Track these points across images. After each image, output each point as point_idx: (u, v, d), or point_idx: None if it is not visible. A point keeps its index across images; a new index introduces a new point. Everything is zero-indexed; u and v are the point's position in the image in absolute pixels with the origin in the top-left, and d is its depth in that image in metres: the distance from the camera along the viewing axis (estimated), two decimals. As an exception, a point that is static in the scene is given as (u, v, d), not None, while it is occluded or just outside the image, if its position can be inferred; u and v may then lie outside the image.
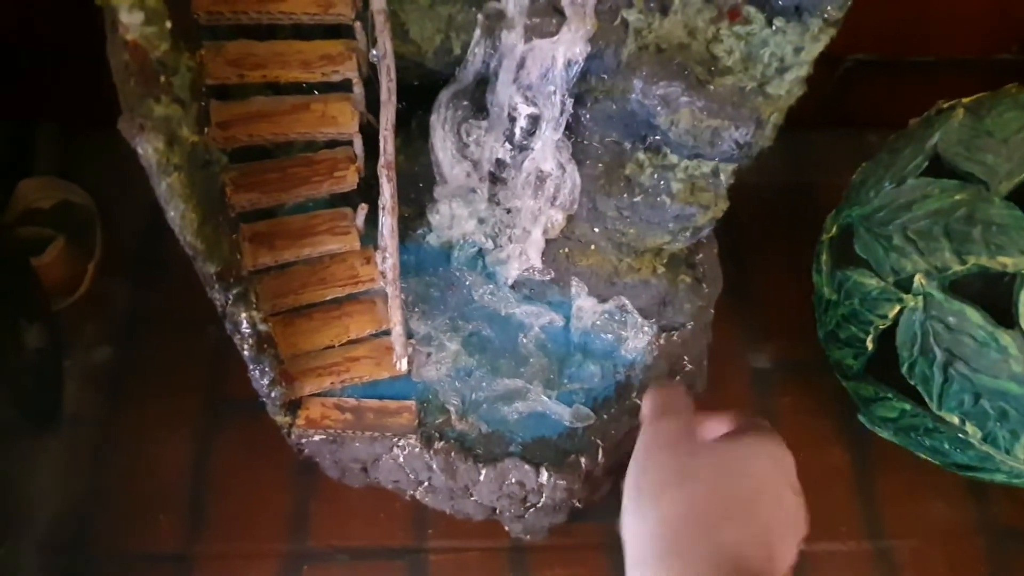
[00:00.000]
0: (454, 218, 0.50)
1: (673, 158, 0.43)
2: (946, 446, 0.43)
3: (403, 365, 0.44)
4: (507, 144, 0.46)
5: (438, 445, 0.44)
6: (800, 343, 0.55)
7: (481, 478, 0.43)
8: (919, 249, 0.41)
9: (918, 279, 0.41)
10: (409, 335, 0.45)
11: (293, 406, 0.44)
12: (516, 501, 0.44)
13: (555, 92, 0.43)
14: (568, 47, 0.41)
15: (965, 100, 0.47)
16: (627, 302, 0.49)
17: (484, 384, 0.46)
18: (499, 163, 0.48)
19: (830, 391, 0.53)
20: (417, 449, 0.44)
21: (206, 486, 0.50)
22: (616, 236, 0.47)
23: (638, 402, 0.46)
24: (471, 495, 0.45)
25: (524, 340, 0.48)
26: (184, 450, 0.51)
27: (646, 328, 0.48)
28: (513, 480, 0.43)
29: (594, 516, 0.49)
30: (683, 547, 0.29)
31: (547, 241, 0.49)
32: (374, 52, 0.36)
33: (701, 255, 0.50)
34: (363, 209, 0.40)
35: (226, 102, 0.37)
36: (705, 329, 0.50)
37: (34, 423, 0.51)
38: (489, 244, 0.50)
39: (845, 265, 0.46)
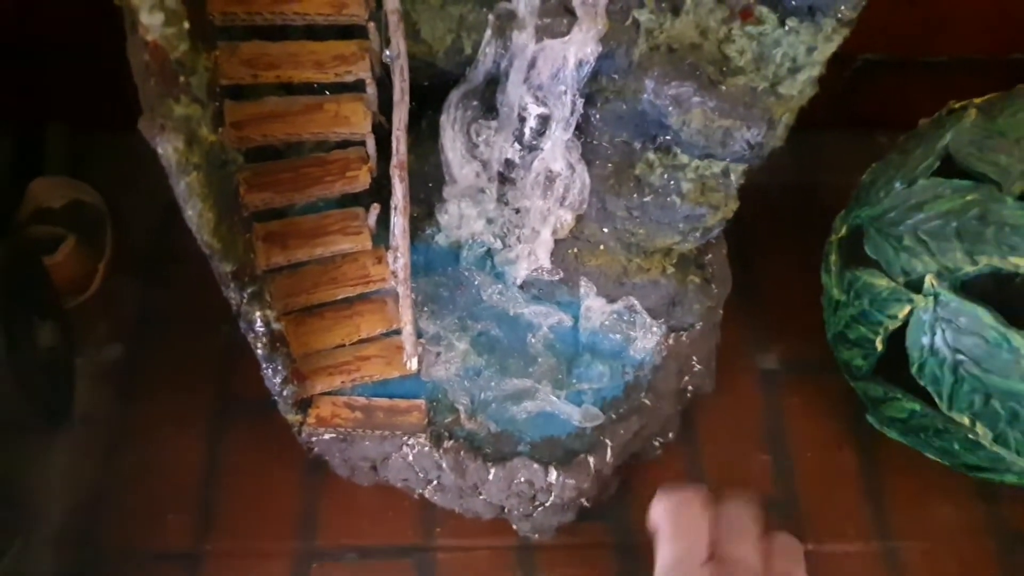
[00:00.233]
0: (463, 218, 0.50)
1: (683, 158, 0.43)
2: (956, 447, 0.43)
3: (413, 364, 0.44)
4: (517, 144, 0.46)
5: (447, 444, 0.44)
6: (809, 344, 0.55)
7: (490, 477, 0.43)
8: (930, 250, 0.41)
9: (929, 279, 0.41)
10: (419, 334, 0.46)
11: (304, 404, 0.44)
12: (525, 500, 0.44)
13: (566, 92, 0.43)
14: (579, 47, 0.41)
15: (977, 100, 0.47)
16: (636, 302, 0.49)
17: (493, 384, 0.46)
18: (508, 163, 0.48)
19: (839, 392, 0.53)
20: (426, 448, 0.44)
21: (216, 484, 0.50)
22: (625, 236, 0.47)
23: (647, 402, 0.47)
24: (480, 494, 0.45)
25: (533, 340, 0.48)
26: (194, 448, 0.52)
27: (655, 328, 0.48)
28: (522, 479, 0.43)
29: (602, 515, 0.49)
30: None
31: (556, 241, 0.49)
32: (387, 52, 0.36)
33: (710, 255, 0.50)
34: (375, 209, 0.40)
35: (240, 102, 0.37)
36: (714, 329, 0.50)
37: (46, 420, 0.51)
38: (498, 244, 0.51)
39: (855, 265, 0.46)
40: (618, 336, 0.48)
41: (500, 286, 0.50)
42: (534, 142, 0.46)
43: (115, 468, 0.51)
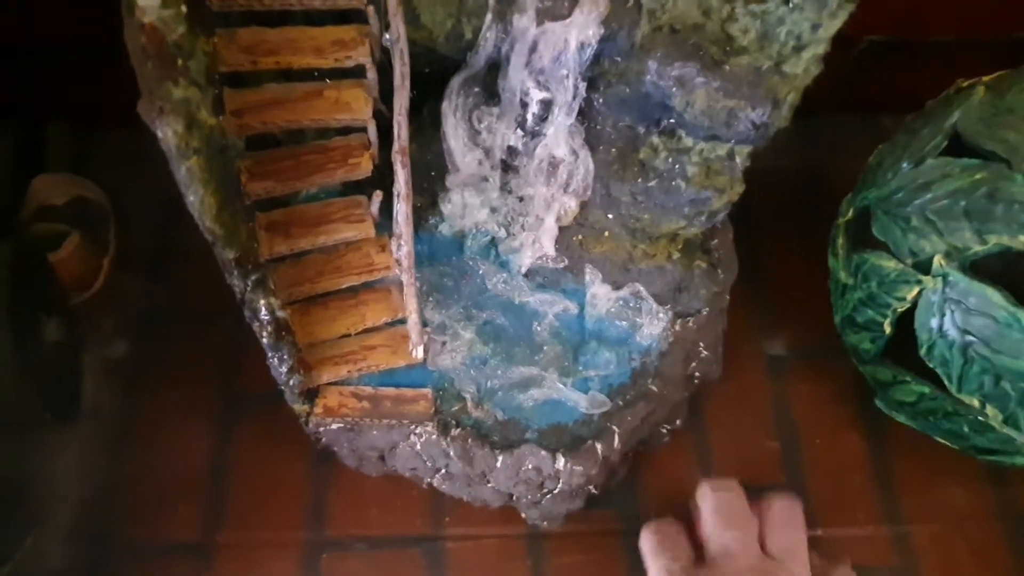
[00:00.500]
0: (467, 207, 0.50)
1: (688, 141, 0.43)
2: (965, 429, 0.43)
3: (419, 353, 0.44)
4: (519, 130, 0.46)
5: (455, 432, 0.44)
6: (816, 329, 0.54)
7: (498, 464, 0.43)
8: (938, 230, 0.41)
9: (937, 260, 0.41)
10: (424, 323, 0.45)
11: (311, 395, 0.44)
12: (533, 487, 0.44)
13: (568, 76, 0.43)
14: (581, 29, 0.41)
15: (985, 78, 0.46)
16: (642, 288, 0.48)
17: (499, 372, 0.46)
18: (511, 150, 0.47)
19: (846, 377, 0.52)
20: (434, 436, 0.44)
21: (224, 476, 0.50)
22: (630, 222, 0.47)
23: (654, 388, 0.47)
24: (488, 482, 0.45)
25: (538, 328, 0.48)
26: (202, 441, 0.52)
27: (661, 314, 0.48)
28: (530, 466, 0.43)
29: (610, 502, 0.49)
30: None
31: (560, 228, 0.49)
32: (387, 36, 0.36)
33: (716, 240, 0.50)
34: (378, 196, 0.40)
35: (239, 90, 0.37)
36: (720, 315, 0.50)
37: (54, 416, 0.51)
38: (502, 233, 0.50)
39: (862, 248, 0.46)
40: (624, 323, 0.48)
41: (505, 275, 0.50)
42: (537, 128, 0.46)
43: (124, 462, 0.51)
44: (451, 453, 0.43)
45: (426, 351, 0.45)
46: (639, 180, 0.45)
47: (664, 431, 0.50)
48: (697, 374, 0.50)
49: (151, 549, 0.49)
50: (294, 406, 0.44)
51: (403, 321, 0.44)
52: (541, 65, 0.43)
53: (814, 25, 0.37)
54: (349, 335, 0.43)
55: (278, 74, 0.37)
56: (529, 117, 0.45)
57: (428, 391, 0.44)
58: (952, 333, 0.41)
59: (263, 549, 0.48)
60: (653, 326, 0.48)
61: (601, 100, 0.44)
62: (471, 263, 0.50)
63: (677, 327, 0.48)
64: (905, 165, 0.44)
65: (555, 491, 0.44)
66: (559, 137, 0.46)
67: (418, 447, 0.44)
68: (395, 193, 0.39)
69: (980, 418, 0.42)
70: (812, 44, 0.37)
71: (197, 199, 0.29)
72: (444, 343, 0.47)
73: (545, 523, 0.48)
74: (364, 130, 0.38)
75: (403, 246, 0.40)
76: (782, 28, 0.38)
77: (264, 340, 0.38)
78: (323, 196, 0.41)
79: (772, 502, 0.36)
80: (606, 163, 0.46)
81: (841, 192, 0.50)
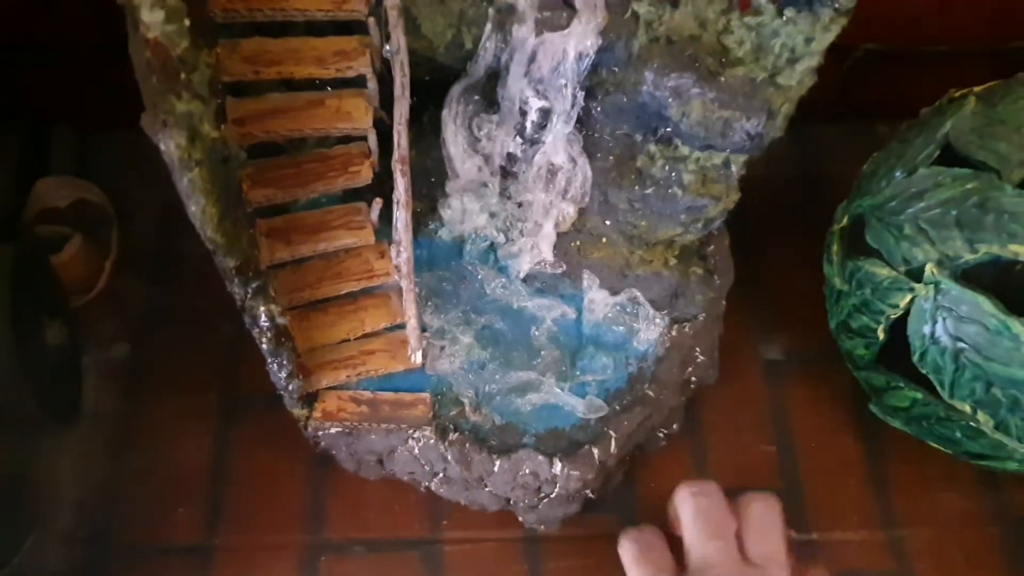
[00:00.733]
0: (466, 212, 0.51)
1: (684, 150, 0.44)
2: (958, 435, 0.44)
3: (417, 358, 0.44)
4: (518, 138, 0.47)
5: (453, 437, 0.44)
6: (812, 334, 0.55)
7: (495, 469, 0.44)
8: (930, 238, 0.41)
9: (929, 268, 0.41)
10: (423, 328, 0.46)
11: (310, 399, 0.44)
12: (530, 492, 0.45)
13: (566, 85, 0.43)
14: (579, 40, 0.41)
15: (977, 89, 0.47)
16: (639, 294, 0.49)
17: (497, 376, 0.46)
18: (510, 157, 0.48)
19: (842, 381, 0.53)
20: (432, 441, 0.44)
21: (224, 479, 0.51)
22: (627, 228, 0.48)
23: (650, 393, 0.47)
24: (485, 486, 0.45)
25: (536, 333, 0.48)
26: (202, 444, 0.52)
27: (658, 320, 0.48)
28: (527, 471, 0.44)
29: (607, 507, 0.50)
30: None
31: (559, 234, 0.49)
32: (387, 48, 0.37)
33: (712, 247, 0.50)
34: (377, 204, 0.40)
35: (241, 99, 0.37)
36: (717, 320, 0.50)
37: (55, 418, 0.52)
38: (501, 238, 0.51)
39: (856, 255, 0.46)
40: (621, 328, 0.49)
41: (503, 280, 0.50)
42: (535, 136, 0.46)
43: (124, 464, 0.52)
44: (449, 457, 0.44)
45: (425, 356, 0.45)
46: (636, 187, 0.46)
47: (661, 435, 0.51)
48: (694, 379, 0.50)
49: (150, 551, 0.49)
50: (293, 410, 0.44)
51: (402, 326, 0.44)
52: (540, 75, 0.43)
53: (808, 38, 0.38)
54: (348, 340, 0.44)
55: (280, 83, 0.37)
56: (528, 125, 0.46)
57: (426, 396, 0.45)
58: (944, 340, 0.41)
59: (262, 552, 0.49)
60: (650, 331, 0.49)
61: (599, 109, 0.45)
62: (470, 268, 0.51)
63: (674, 332, 0.49)
64: (898, 174, 0.45)
65: (552, 495, 0.45)
66: (557, 145, 0.46)
67: (416, 451, 0.45)
68: (395, 200, 0.39)
69: (972, 424, 0.42)
70: (806, 56, 0.38)
71: (199, 209, 0.30)
72: (443, 348, 0.47)
73: (542, 527, 0.48)
74: (365, 138, 0.39)
75: (402, 252, 0.41)
76: (777, 40, 0.38)
77: (264, 346, 0.39)
78: (323, 203, 0.42)
79: (750, 504, 0.36)
80: (604, 170, 0.46)
81: (836, 199, 0.51)
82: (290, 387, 0.41)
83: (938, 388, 0.42)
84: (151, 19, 0.26)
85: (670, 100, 0.40)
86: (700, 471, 0.52)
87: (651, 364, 0.48)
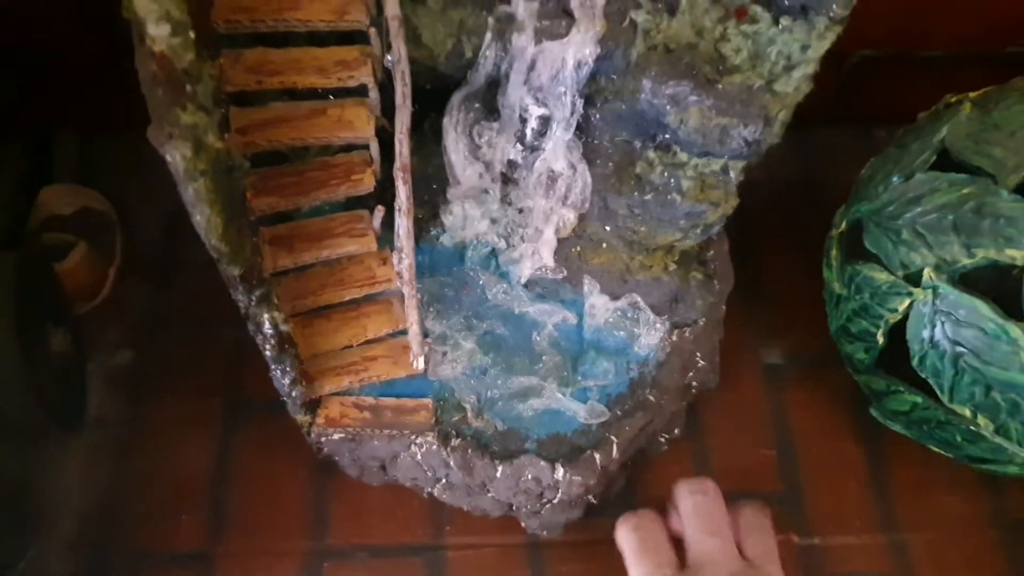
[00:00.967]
0: (467, 218, 0.51)
1: (683, 156, 0.44)
2: (958, 439, 0.44)
3: (420, 364, 0.45)
4: (518, 145, 0.47)
5: (455, 442, 0.44)
6: (812, 338, 0.55)
7: (498, 475, 0.44)
8: (928, 243, 0.42)
9: (927, 273, 0.41)
10: (425, 334, 0.46)
11: (313, 405, 0.45)
12: (532, 497, 0.45)
13: (565, 93, 0.44)
14: (578, 49, 0.42)
15: (972, 94, 0.47)
16: (639, 299, 0.49)
17: (499, 382, 0.47)
18: (511, 164, 0.48)
19: (842, 385, 0.53)
20: (434, 447, 0.44)
21: (227, 485, 0.51)
22: (627, 234, 0.48)
23: (651, 398, 0.47)
24: (488, 491, 0.45)
25: (538, 338, 0.49)
26: (205, 450, 0.52)
27: (658, 325, 0.49)
28: (529, 476, 0.44)
29: (609, 512, 0.49)
30: None
31: (559, 240, 0.49)
32: (388, 57, 0.37)
33: (712, 252, 0.51)
34: (380, 211, 0.41)
35: (245, 108, 0.37)
36: (717, 325, 0.51)
37: (58, 425, 0.52)
38: (502, 244, 0.51)
39: (855, 260, 0.47)
40: (622, 333, 0.49)
41: (505, 285, 0.50)
42: (536, 142, 0.47)
43: (127, 471, 0.52)
44: (451, 463, 0.44)
45: (427, 362, 0.45)
46: (635, 193, 0.46)
47: (662, 440, 0.51)
48: (694, 384, 0.51)
49: (154, 558, 0.49)
50: (296, 417, 0.44)
51: (404, 332, 0.44)
52: (539, 83, 0.44)
53: (803, 46, 0.38)
54: (351, 346, 0.44)
55: (282, 93, 0.38)
56: (528, 132, 0.46)
57: (429, 401, 0.45)
58: (943, 344, 0.41)
59: (265, 558, 0.49)
60: (651, 336, 0.49)
61: (598, 116, 0.45)
62: (472, 274, 0.51)
63: (674, 337, 0.49)
64: (896, 179, 0.45)
65: (554, 501, 0.45)
66: (557, 151, 0.47)
67: (419, 457, 0.45)
68: (396, 208, 0.40)
69: (972, 428, 0.42)
70: (802, 64, 0.38)
71: (203, 218, 0.30)
72: (445, 353, 0.48)
73: (545, 532, 0.49)
74: (367, 147, 0.39)
75: (404, 259, 0.41)
76: (773, 48, 0.39)
77: (267, 353, 0.39)
78: (326, 210, 0.42)
79: (743, 508, 0.37)
80: (603, 177, 0.47)
81: (835, 203, 0.51)
82: (293, 393, 0.42)
83: (938, 392, 0.42)
84: (157, 32, 0.26)
85: (668, 108, 0.40)
86: (702, 475, 0.52)
87: (652, 369, 0.48)
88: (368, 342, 0.44)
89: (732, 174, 0.44)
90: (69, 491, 0.51)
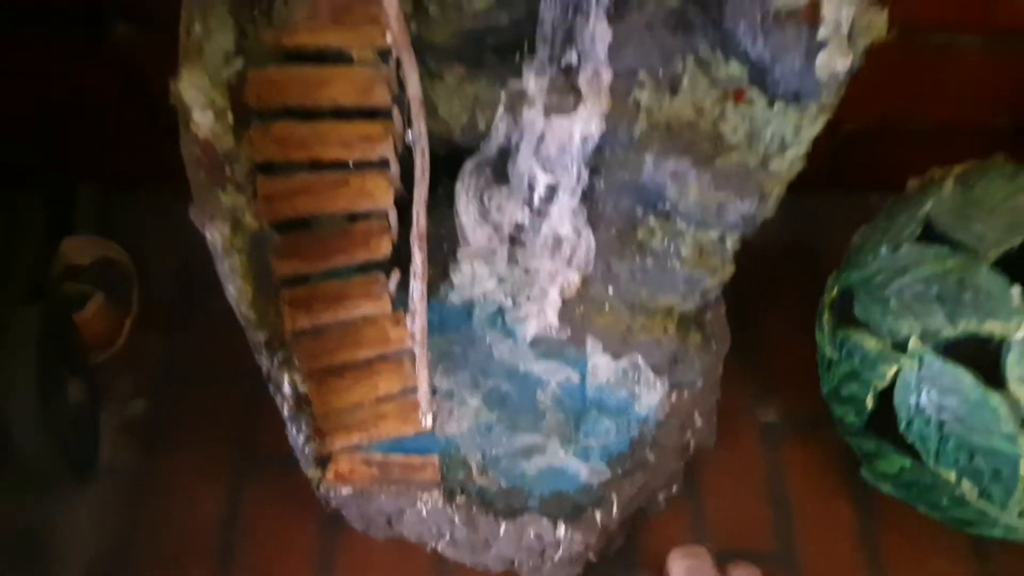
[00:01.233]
0: (476, 277, 0.53)
1: (682, 225, 0.46)
2: (944, 502, 0.45)
3: (428, 421, 0.46)
4: (526, 209, 0.49)
5: (460, 499, 0.46)
6: (807, 398, 0.57)
7: (501, 532, 0.45)
8: (914, 313, 0.44)
9: (913, 341, 0.43)
10: (433, 391, 0.48)
11: (323, 460, 0.46)
12: (534, 554, 0.46)
13: (572, 164, 0.46)
14: (584, 124, 0.44)
15: (956, 169, 0.50)
16: (640, 360, 0.51)
17: (504, 439, 0.48)
18: (519, 227, 0.51)
19: (836, 445, 0.54)
20: (440, 503, 0.46)
21: (236, 536, 0.52)
22: (629, 297, 0.50)
23: (651, 458, 0.49)
24: (491, 548, 0.47)
25: (542, 396, 0.50)
26: (215, 501, 0.53)
27: (658, 385, 0.50)
28: (532, 534, 0.45)
29: (608, 569, 0.51)
30: None
31: (564, 301, 0.51)
32: (409, 134, 0.40)
33: (710, 315, 0.53)
34: (396, 276, 0.43)
35: (271, 177, 0.40)
36: (714, 386, 0.52)
37: (72, 473, 0.53)
38: (509, 303, 0.53)
39: (846, 325, 0.49)
40: (623, 392, 0.51)
41: (511, 343, 0.52)
42: (543, 208, 0.49)
43: (138, 520, 0.53)
44: (456, 520, 0.45)
45: (434, 419, 0.47)
46: (637, 259, 0.48)
47: (661, 498, 0.52)
48: (692, 443, 0.52)
49: (161, 607, 0.50)
50: (307, 472, 0.46)
51: (414, 390, 0.46)
52: (548, 153, 0.46)
53: (796, 128, 0.41)
54: (362, 404, 0.46)
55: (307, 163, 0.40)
56: (536, 198, 0.49)
57: (435, 458, 0.46)
58: (929, 410, 0.43)
59: (271, 609, 0.50)
60: (651, 396, 0.51)
61: (603, 184, 0.48)
62: (479, 331, 0.53)
63: (673, 397, 0.51)
64: (884, 249, 0.47)
65: (556, 558, 0.46)
66: (563, 216, 0.49)
67: (424, 513, 0.46)
68: (412, 272, 0.42)
69: (957, 492, 0.44)
70: (795, 145, 0.41)
71: (236, 289, 0.32)
72: (451, 410, 0.49)
73: (545, 588, 0.49)
74: (386, 214, 0.41)
75: (417, 321, 0.43)
76: (768, 129, 0.41)
77: (285, 412, 0.41)
78: (344, 272, 0.44)
79: (735, 571, 0.39)
80: (607, 241, 0.49)
81: (830, 267, 0.53)
82: (307, 450, 0.43)
83: (924, 456, 0.44)
84: (202, 120, 0.28)
85: (669, 182, 0.43)
86: (699, 533, 0.53)
87: (652, 428, 0.49)
88: (379, 399, 0.46)
89: (729, 244, 0.46)
90: (80, 538, 0.52)
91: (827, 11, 0.36)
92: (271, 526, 0.52)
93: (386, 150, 0.39)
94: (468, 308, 0.53)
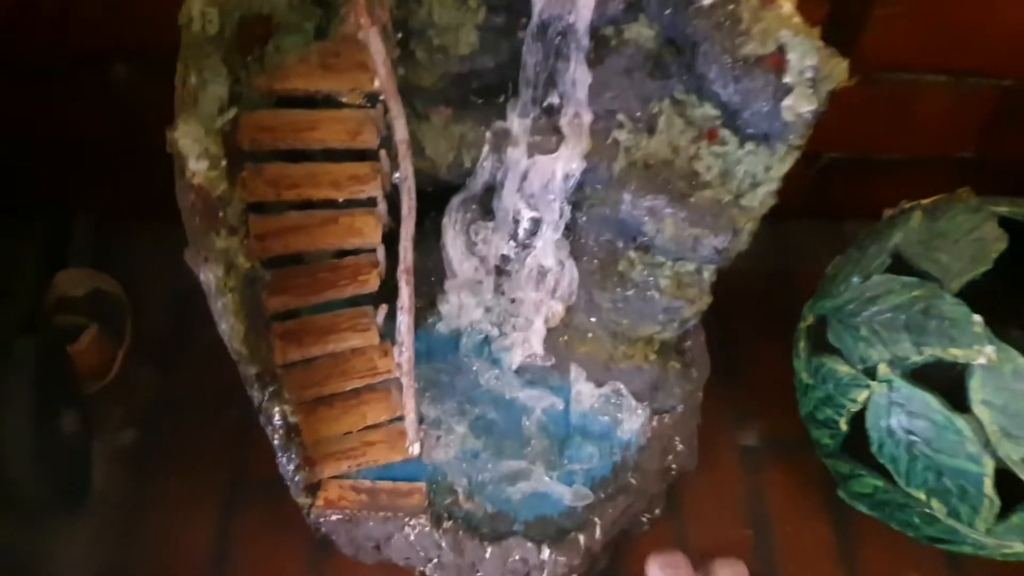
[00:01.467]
0: (463, 307, 0.55)
1: (660, 257, 0.48)
2: (916, 520, 0.47)
3: (415, 449, 0.48)
4: (511, 242, 0.51)
5: (447, 524, 0.47)
6: (785, 421, 0.58)
7: (487, 556, 0.46)
8: (883, 340, 0.46)
9: (882, 367, 0.45)
10: (420, 419, 0.49)
11: (313, 488, 0.47)
12: (520, 577, 0.47)
13: (555, 200, 0.48)
14: (566, 163, 0.46)
15: (924, 202, 0.52)
16: (622, 386, 0.52)
17: (490, 465, 0.49)
18: (504, 259, 0.52)
19: (815, 467, 0.56)
20: (427, 528, 0.47)
21: (227, 563, 0.53)
22: (611, 326, 0.52)
23: (633, 481, 0.50)
24: (477, 572, 0.48)
25: (527, 423, 0.52)
26: (206, 528, 0.54)
27: (640, 411, 0.52)
28: (517, 557, 0.46)
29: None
30: None
31: (548, 330, 0.53)
32: (397, 175, 0.41)
33: (689, 342, 0.54)
34: (383, 309, 0.44)
35: (263, 216, 0.41)
36: (694, 411, 0.54)
37: (65, 503, 0.54)
38: (495, 332, 0.55)
39: (820, 352, 0.50)
40: (606, 418, 0.52)
41: (497, 371, 0.53)
42: (527, 241, 0.51)
43: (130, 548, 0.53)
44: (443, 544, 0.46)
45: (422, 446, 0.48)
46: (618, 289, 0.50)
47: (644, 520, 0.54)
48: (674, 466, 0.53)
49: (153, 635, 0.50)
50: (297, 499, 0.47)
51: (401, 419, 0.47)
52: (531, 190, 0.48)
53: (767, 167, 0.43)
54: (351, 432, 0.47)
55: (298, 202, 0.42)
56: (521, 232, 0.51)
57: (422, 485, 0.48)
58: (898, 433, 0.45)
59: (262, 635, 0.50)
60: (632, 422, 0.52)
61: (584, 218, 0.50)
62: (466, 360, 0.54)
63: (654, 423, 0.52)
64: (856, 279, 0.49)
65: (540, 581, 0.47)
66: (547, 249, 0.51)
67: (412, 538, 0.47)
68: (399, 306, 0.43)
69: (927, 510, 0.45)
70: (766, 182, 0.43)
71: (228, 327, 0.34)
72: (439, 437, 0.51)
73: (530, 611, 0.50)
74: (374, 251, 0.43)
75: (404, 352, 0.45)
76: (740, 167, 0.43)
77: (275, 442, 0.42)
78: (333, 306, 0.46)
79: (719, 572, 0.39)
80: (589, 273, 0.51)
81: (807, 294, 0.55)
82: (296, 478, 0.44)
83: (895, 477, 0.46)
84: (197, 167, 0.30)
85: (646, 218, 0.45)
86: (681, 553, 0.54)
87: (634, 453, 0.51)
88: (367, 428, 0.47)
89: (705, 275, 0.48)
90: (74, 567, 0.53)
91: (792, 58, 0.38)
92: (262, 552, 0.53)
93: (374, 190, 0.41)
94: (455, 337, 0.55)
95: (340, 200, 0.41)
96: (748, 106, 0.40)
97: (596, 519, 0.48)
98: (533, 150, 0.46)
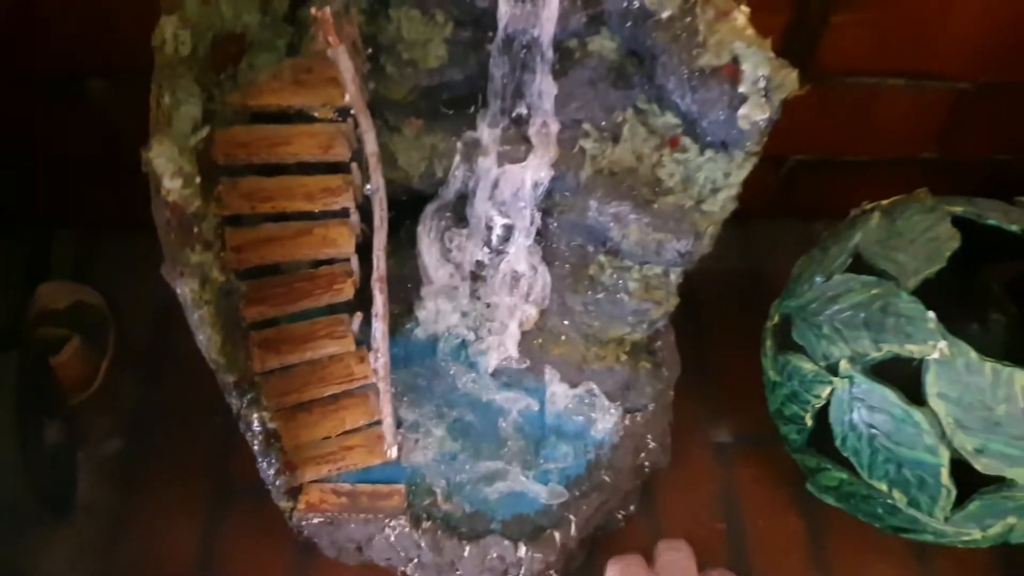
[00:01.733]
0: (439, 313, 0.56)
1: (628, 261, 0.50)
2: (880, 511, 0.49)
3: (393, 452, 0.49)
4: (485, 248, 0.53)
5: (426, 525, 0.48)
6: (756, 418, 0.59)
7: (465, 554, 0.48)
8: (844, 337, 0.47)
9: (843, 364, 0.47)
10: (399, 423, 0.50)
11: (294, 492, 0.48)
12: (498, 574, 0.49)
13: (525, 207, 0.50)
14: (535, 171, 0.48)
15: (884, 203, 0.54)
16: (595, 387, 0.54)
17: (467, 466, 0.51)
18: (479, 264, 0.54)
19: (784, 462, 0.57)
20: (407, 529, 0.48)
21: (213, 567, 0.54)
22: (583, 328, 0.53)
23: (607, 479, 0.52)
24: (457, 570, 0.49)
25: (503, 424, 0.53)
26: (191, 535, 0.55)
27: (612, 410, 0.53)
28: (494, 555, 0.48)
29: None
30: None
31: (522, 333, 0.54)
32: (368, 187, 0.43)
33: (660, 343, 0.56)
34: (358, 317, 0.45)
35: (238, 228, 0.42)
36: (666, 409, 0.56)
37: (50, 513, 0.54)
38: (471, 336, 0.56)
39: (786, 350, 0.52)
40: (580, 418, 0.53)
41: (473, 374, 0.55)
42: (500, 247, 0.52)
43: (115, 557, 0.54)
44: (422, 544, 0.48)
45: (400, 450, 0.49)
46: (589, 292, 0.51)
47: (619, 517, 0.55)
48: (647, 464, 0.55)
49: (140, 642, 0.51)
50: (279, 503, 0.48)
51: (379, 423, 0.49)
52: (502, 198, 0.49)
53: (726, 173, 0.44)
54: (330, 437, 0.48)
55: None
56: (494, 238, 0.52)
57: (401, 487, 0.49)
58: (860, 427, 0.47)
59: (248, 638, 0.51)
60: (606, 421, 0.53)
61: (555, 224, 0.51)
62: (443, 364, 0.55)
63: (627, 422, 0.54)
64: (818, 279, 0.51)
65: (518, 577, 0.48)
66: (520, 255, 0.52)
67: (392, 539, 0.48)
68: (373, 314, 0.44)
69: (889, 501, 0.47)
70: (726, 188, 0.45)
71: (205, 338, 0.35)
72: (417, 440, 0.52)
73: (510, 607, 0.52)
74: (348, 260, 0.44)
75: (380, 358, 0.46)
76: (701, 174, 0.45)
77: (255, 448, 0.43)
78: (310, 314, 0.47)
79: (662, 555, 0.40)
80: (561, 277, 0.52)
81: (775, 293, 0.56)
82: (277, 483, 0.45)
83: (858, 469, 0.47)
84: (171, 185, 0.31)
85: (611, 224, 0.46)
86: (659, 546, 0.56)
87: (607, 451, 0.52)
88: (346, 432, 0.48)
89: (672, 277, 0.49)
90: (58, 576, 0.54)
91: (745, 69, 0.39)
92: (246, 556, 0.54)
93: (347, 201, 0.42)
94: (433, 342, 0.56)
95: (314, 212, 0.43)
96: (706, 115, 0.42)
97: (571, 516, 0.49)
98: (503, 159, 0.48)
